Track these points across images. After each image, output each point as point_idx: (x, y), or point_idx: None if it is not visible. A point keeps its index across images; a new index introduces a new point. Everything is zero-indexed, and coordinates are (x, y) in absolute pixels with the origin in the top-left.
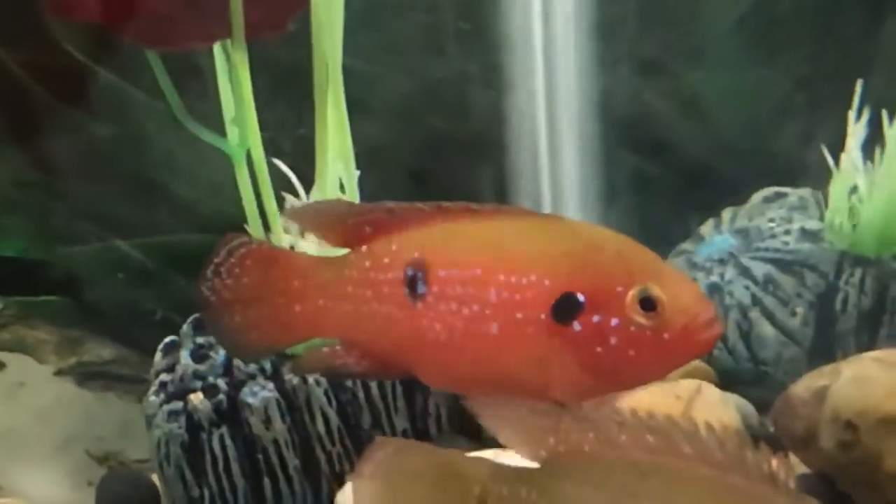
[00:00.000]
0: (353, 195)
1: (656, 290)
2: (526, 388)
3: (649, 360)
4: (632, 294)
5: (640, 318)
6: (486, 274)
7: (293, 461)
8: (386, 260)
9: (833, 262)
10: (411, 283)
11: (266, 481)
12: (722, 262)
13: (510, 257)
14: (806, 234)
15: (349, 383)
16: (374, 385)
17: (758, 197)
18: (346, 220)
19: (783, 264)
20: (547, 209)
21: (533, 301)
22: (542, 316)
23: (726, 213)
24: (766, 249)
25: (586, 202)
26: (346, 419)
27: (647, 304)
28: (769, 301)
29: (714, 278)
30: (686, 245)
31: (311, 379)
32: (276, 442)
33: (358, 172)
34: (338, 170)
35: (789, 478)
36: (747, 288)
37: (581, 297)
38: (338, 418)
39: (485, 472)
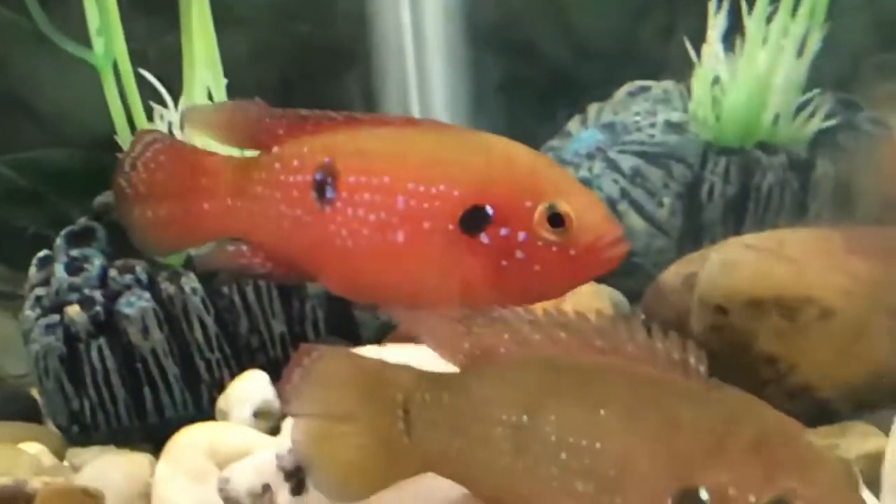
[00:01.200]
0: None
1: (565, 207)
2: (430, 298)
3: (554, 275)
4: (540, 209)
5: (547, 233)
6: (395, 182)
7: (173, 369)
8: (296, 163)
9: (698, 152)
10: (320, 188)
11: (146, 390)
12: (590, 156)
13: (420, 166)
14: (671, 126)
15: (225, 290)
16: (250, 291)
17: (622, 92)
18: (260, 122)
19: (649, 157)
20: (415, 112)
21: (441, 211)
22: (450, 226)
23: (592, 109)
24: (633, 143)
25: (455, 105)
26: (223, 326)
27: (555, 220)
28: (637, 193)
29: (583, 173)
30: (554, 142)
31: (187, 287)
32: (154, 351)
33: (226, 80)
34: (205, 78)
35: (699, 364)
36: (615, 181)
37: (490, 210)
38: (215, 326)
39: (407, 378)
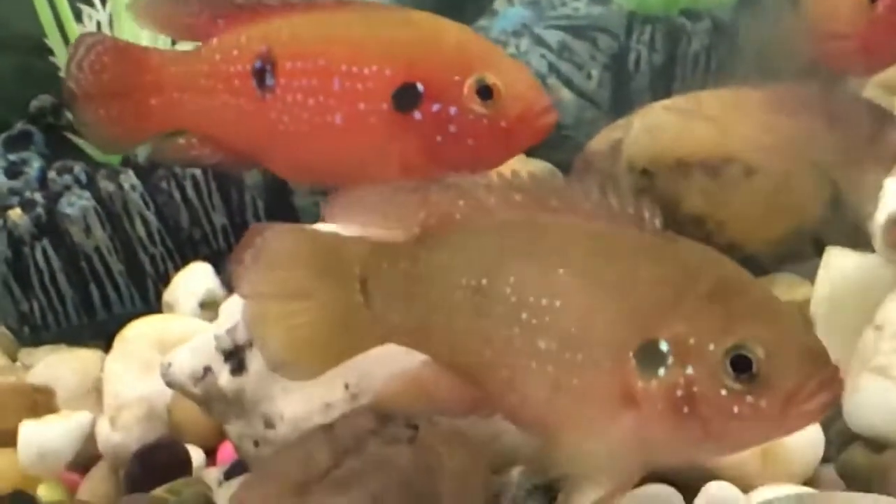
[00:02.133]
0: None
1: (492, 79)
2: (370, 177)
3: (487, 147)
4: (469, 83)
5: (477, 106)
6: (330, 65)
7: (117, 266)
8: (235, 52)
9: (623, 23)
10: (259, 76)
11: (93, 287)
12: (516, 34)
13: (352, 48)
14: None
15: (164, 185)
16: (188, 184)
17: None
18: (199, 14)
19: (575, 30)
20: None
21: (374, 91)
22: (384, 106)
23: None
24: (558, 17)
25: None
26: (164, 221)
27: (484, 92)
28: (565, 67)
29: (511, 50)
30: (482, 21)
31: (126, 185)
32: (98, 249)
33: None
34: None
35: (654, 217)
36: (543, 56)
37: (420, 87)
38: (157, 220)
39: (363, 249)
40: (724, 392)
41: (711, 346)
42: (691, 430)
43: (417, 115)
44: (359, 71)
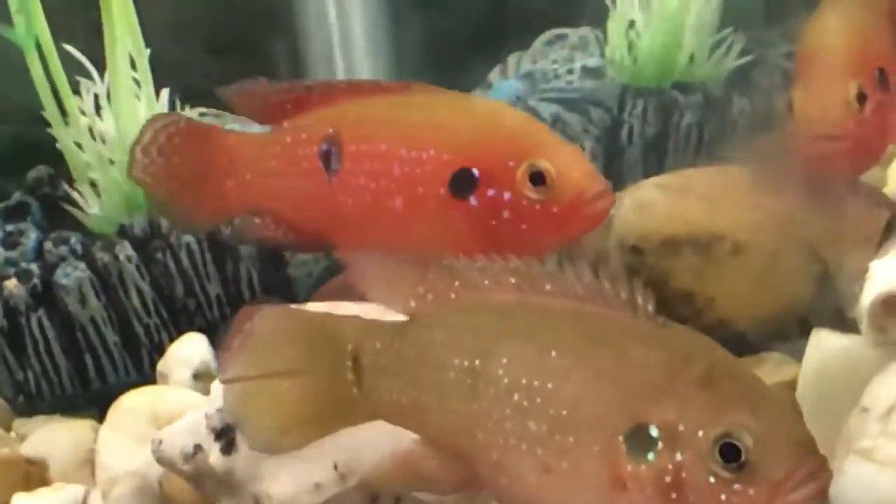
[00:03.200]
0: (143, 71)
1: (545, 164)
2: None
3: (540, 232)
4: (522, 168)
5: (530, 192)
6: (391, 149)
7: (112, 336)
8: (304, 136)
9: (616, 95)
10: (326, 158)
11: (87, 358)
12: (511, 105)
13: (412, 132)
14: (588, 71)
15: (159, 256)
16: (184, 255)
17: (540, 41)
18: (266, 98)
19: (568, 103)
20: (339, 70)
21: (432, 176)
22: (442, 190)
23: (512, 59)
24: (552, 90)
25: (377, 60)
26: (160, 291)
27: (537, 178)
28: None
29: None
30: (476, 93)
31: (122, 255)
32: (93, 319)
33: (148, 50)
34: (127, 47)
35: (647, 302)
36: None
37: (476, 172)
38: (152, 291)
39: (357, 328)
40: (712, 479)
41: (701, 433)
42: None
43: (473, 200)
44: (417, 155)
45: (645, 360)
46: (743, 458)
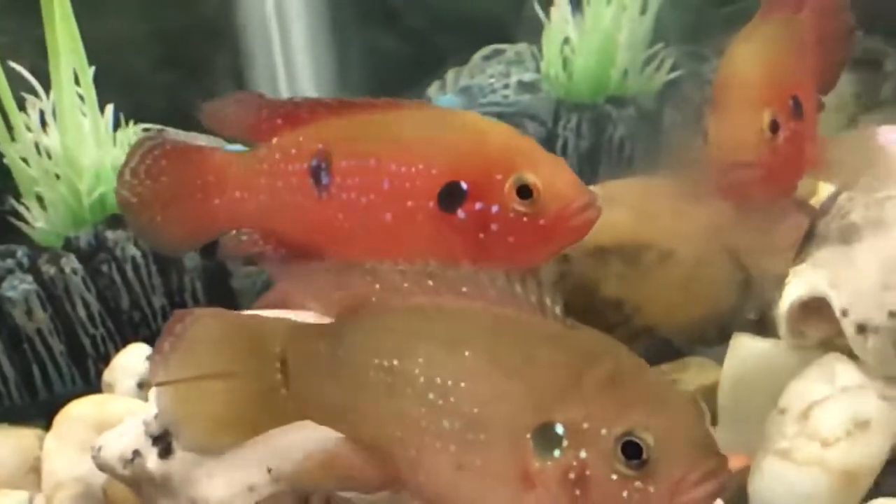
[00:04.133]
0: (88, 88)
1: (531, 178)
2: None
3: (528, 245)
4: (509, 182)
5: (517, 204)
6: (380, 164)
7: (59, 347)
8: (293, 151)
9: (550, 110)
10: (316, 174)
11: (35, 369)
12: None
13: (400, 147)
14: (523, 85)
15: (105, 268)
16: (129, 267)
17: (478, 56)
18: (259, 113)
19: (505, 116)
20: (283, 87)
21: (421, 189)
22: (430, 204)
23: (450, 74)
24: (489, 104)
25: (319, 76)
26: (105, 303)
27: (524, 191)
28: None
29: None
30: None
31: (67, 268)
32: (39, 331)
33: (93, 67)
34: (71, 63)
35: (555, 304)
36: None
37: (464, 185)
38: (98, 303)
39: (284, 330)
40: (614, 477)
41: (604, 431)
42: None
43: (461, 213)
44: (406, 170)
45: (552, 360)
46: (644, 456)
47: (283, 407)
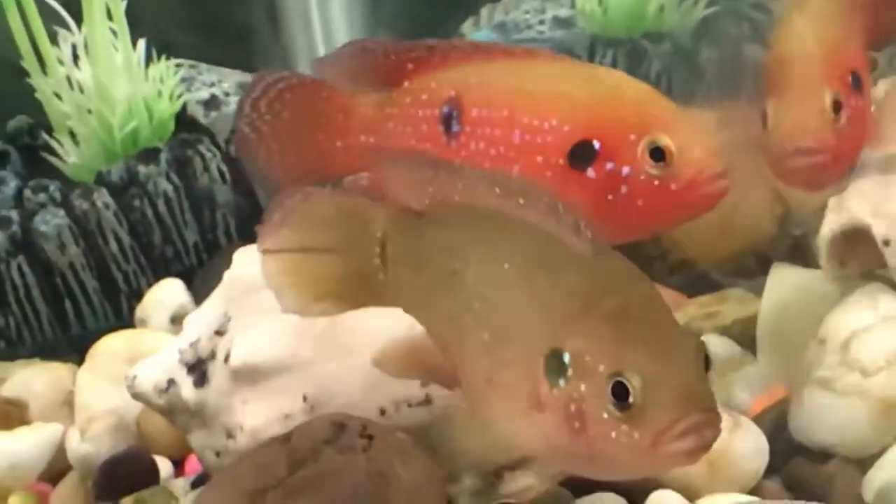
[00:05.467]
0: (120, 22)
1: (666, 141)
2: None
3: (658, 210)
4: (643, 143)
5: (649, 167)
6: (512, 116)
7: (91, 282)
8: (425, 97)
9: (586, 45)
10: (447, 121)
11: (67, 303)
12: None
13: (534, 101)
14: (559, 21)
15: (136, 203)
16: (161, 202)
17: None
18: (388, 59)
19: None
20: (315, 18)
21: (552, 145)
22: (560, 161)
23: (485, 10)
24: (524, 40)
25: (352, 8)
26: (137, 238)
27: (657, 154)
28: None
29: None
30: None
31: (100, 203)
32: (72, 266)
33: (124, 1)
34: None
35: (587, 230)
36: None
37: (596, 144)
38: (130, 238)
39: (386, 218)
40: (605, 415)
41: (601, 368)
42: (579, 445)
43: (591, 172)
44: (539, 124)
45: (570, 286)
46: (631, 399)
47: (381, 289)
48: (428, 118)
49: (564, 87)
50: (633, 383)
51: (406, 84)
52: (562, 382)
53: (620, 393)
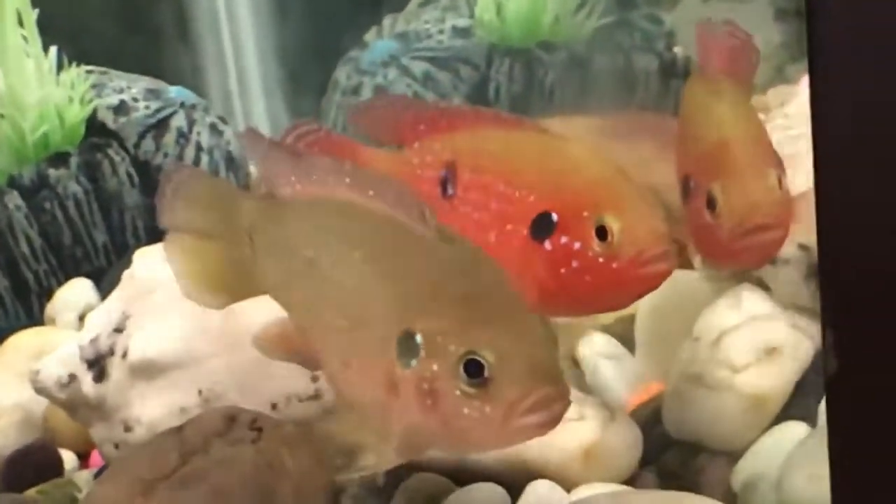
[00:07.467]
0: (31, 29)
1: (610, 220)
2: None
3: (602, 286)
4: (592, 220)
5: (595, 244)
6: (492, 183)
7: (3, 282)
8: (429, 159)
9: (484, 55)
10: (443, 184)
11: None
12: (385, 64)
13: (509, 169)
14: (457, 31)
15: (47, 205)
16: (71, 204)
17: (414, 2)
18: (405, 117)
19: (439, 61)
20: (225, 34)
21: (519, 214)
22: (524, 231)
23: (387, 20)
24: (424, 49)
25: (259, 23)
26: (48, 239)
27: (601, 232)
28: (428, 97)
29: (379, 80)
30: (353, 53)
31: (11, 205)
32: None
33: (37, 10)
34: (15, 4)
35: (433, 217)
36: (408, 86)
37: (554, 217)
38: (40, 239)
39: (252, 205)
40: (457, 393)
41: (452, 348)
42: (434, 423)
43: (548, 244)
44: (510, 193)
45: (421, 270)
46: (486, 374)
47: (253, 277)
48: (430, 179)
49: (534, 158)
50: (487, 358)
51: (416, 144)
52: (414, 363)
53: (474, 370)
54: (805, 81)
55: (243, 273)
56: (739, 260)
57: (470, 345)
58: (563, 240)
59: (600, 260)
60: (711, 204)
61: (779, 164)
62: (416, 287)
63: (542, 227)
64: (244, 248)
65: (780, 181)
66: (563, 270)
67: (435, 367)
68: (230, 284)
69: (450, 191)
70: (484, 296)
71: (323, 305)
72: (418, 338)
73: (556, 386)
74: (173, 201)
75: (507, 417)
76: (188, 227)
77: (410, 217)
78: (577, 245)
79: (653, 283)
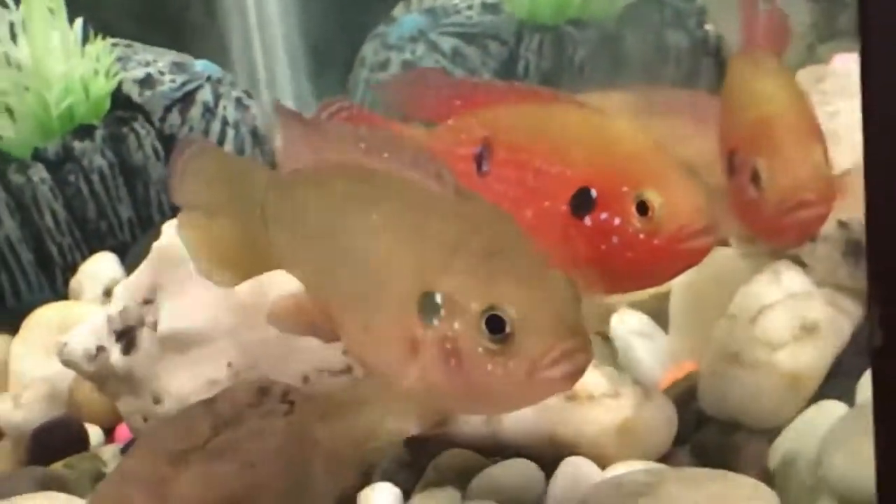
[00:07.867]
0: (57, 1)
1: (651, 195)
2: None
3: (642, 263)
4: (632, 196)
5: (635, 220)
6: (529, 159)
7: (27, 255)
8: (464, 136)
9: (513, 31)
10: (479, 161)
11: (3, 276)
12: (413, 39)
13: (546, 145)
14: (487, 7)
15: (72, 179)
16: (96, 178)
17: None
18: (439, 92)
19: (468, 37)
20: (251, 6)
21: (558, 191)
22: (563, 207)
23: None
24: (452, 24)
25: None
26: (72, 212)
27: (642, 207)
28: (458, 72)
29: (407, 55)
30: (380, 28)
31: (35, 178)
32: (8, 239)
33: None
34: None
35: (451, 178)
36: (437, 61)
37: (594, 193)
38: (65, 212)
39: (263, 177)
40: (480, 350)
41: (473, 305)
42: (457, 382)
43: (588, 221)
44: (547, 169)
45: (439, 230)
46: (508, 330)
47: (265, 250)
48: (465, 156)
49: (572, 134)
50: (509, 314)
51: (450, 121)
52: (435, 323)
53: (496, 326)
54: (838, 59)
55: (255, 249)
56: (783, 236)
57: (491, 301)
58: (603, 216)
59: (641, 236)
60: (756, 179)
61: (823, 140)
62: (434, 246)
63: (581, 203)
64: (256, 222)
65: (825, 157)
66: (603, 247)
67: (456, 326)
68: (242, 261)
69: (485, 167)
70: (503, 252)
71: (341, 272)
72: (438, 297)
73: (578, 338)
74: (183, 177)
75: (530, 372)
76: (199, 203)
77: (427, 177)
78: (617, 221)
79: (694, 259)
